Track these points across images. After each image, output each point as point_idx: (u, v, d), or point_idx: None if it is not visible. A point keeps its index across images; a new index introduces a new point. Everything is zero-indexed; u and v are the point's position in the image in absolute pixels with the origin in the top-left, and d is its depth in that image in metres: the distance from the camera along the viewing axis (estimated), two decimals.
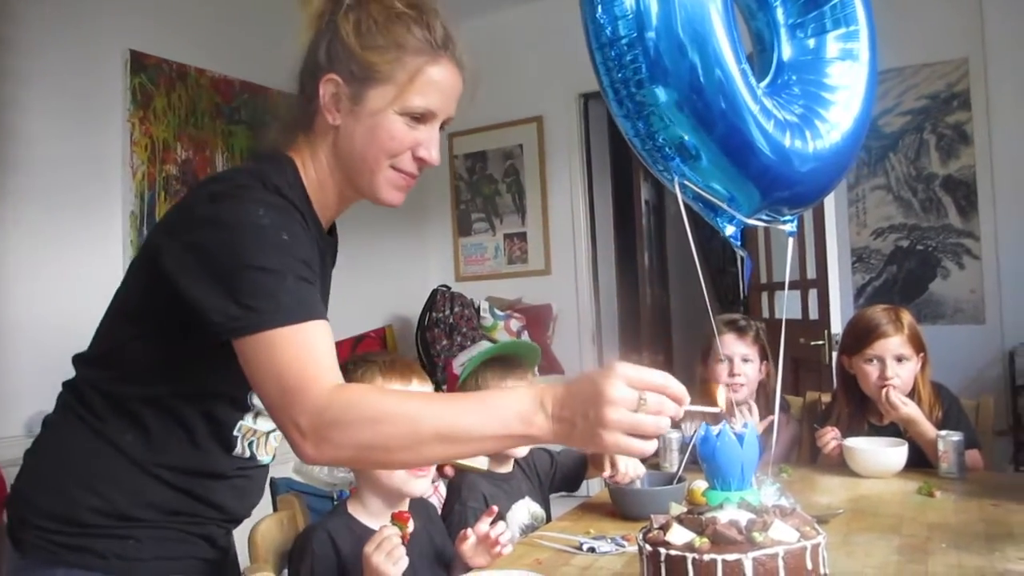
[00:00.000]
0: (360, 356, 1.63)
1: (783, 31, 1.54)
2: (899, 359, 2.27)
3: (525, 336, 4.45)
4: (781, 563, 0.99)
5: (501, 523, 1.59)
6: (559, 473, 2.10)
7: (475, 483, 1.93)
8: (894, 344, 2.28)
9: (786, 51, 1.54)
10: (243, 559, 1.45)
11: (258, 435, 1.30)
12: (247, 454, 1.29)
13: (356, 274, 4.55)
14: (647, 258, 5.37)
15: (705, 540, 1.02)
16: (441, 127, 1.26)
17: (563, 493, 2.23)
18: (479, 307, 4.46)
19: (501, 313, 4.49)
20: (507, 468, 2.02)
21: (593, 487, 2.59)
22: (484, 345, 4.24)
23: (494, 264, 5.03)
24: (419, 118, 1.20)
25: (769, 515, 1.06)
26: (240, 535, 1.49)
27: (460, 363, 2.05)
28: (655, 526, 1.11)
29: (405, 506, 1.63)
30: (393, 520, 1.41)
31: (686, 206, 1.54)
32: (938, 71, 3.82)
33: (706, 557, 0.99)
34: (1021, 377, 3.38)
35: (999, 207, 3.71)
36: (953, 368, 2.36)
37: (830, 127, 1.57)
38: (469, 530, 1.60)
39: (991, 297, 3.71)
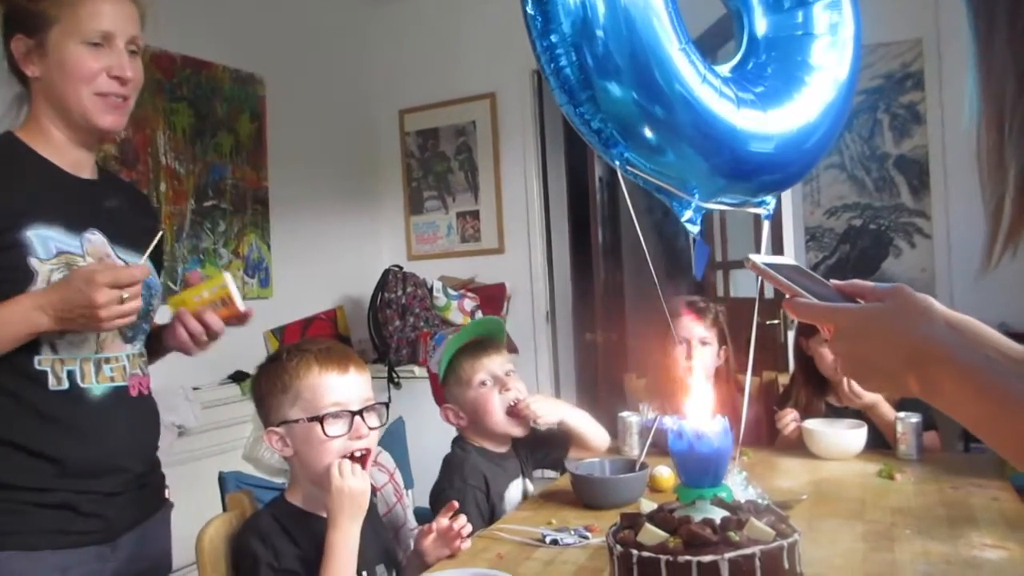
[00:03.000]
0: (295, 345, 1.56)
1: (756, 6, 1.49)
2: None
3: (479, 317, 4.39)
4: (758, 563, 0.95)
5: (462, 516, 1.54)
6: (544, 451, 2.07)
7: (476, 462, 1.90)
8: None
9: (759, 27, 1.49)
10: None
11: (76, 363, 1.35)
12: (65, 385, 1.34)
13: (306, 255, 4.44)
14: (601, 236, 5.32)
15: (678, 540, 0.98)
16: (136, 50, 1.43)
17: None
18: (432, 287, 4.38)
19: (454, 293, 4.41)
20: (504, 448, 1.99)
21: None
22: (446, 336, 4.20)
23: (447, 243, 4.94)
24: (99, 43, 1.38)
25: (744, 513, 1.02)
26: (188, 541, 1.42)
27: (435, 362, 2.01)
28: (624, 524, 1.07)
29: None
30: None
31: (642, 184, 1.48)
32: (893, 51, 3.82)
33: (680, 559, 0.95)
34: None
35: (950, 187, 3.74)
36: None
37: (803, 107, 1.52)
38: (433, 525, 1.55)
39: (941, 276, 3.74)
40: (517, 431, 1.95)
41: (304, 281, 4.40)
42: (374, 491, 2.30)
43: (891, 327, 0.79)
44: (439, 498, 1.88)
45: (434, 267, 4.77)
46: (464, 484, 1.83)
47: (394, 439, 2.61)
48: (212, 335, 1.49)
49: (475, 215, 4.88)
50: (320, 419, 1.44)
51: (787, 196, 3.78)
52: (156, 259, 1.52)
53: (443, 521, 1.53)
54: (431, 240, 4.99)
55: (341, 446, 1.47)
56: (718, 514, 1.03)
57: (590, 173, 5.30)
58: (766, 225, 1.67)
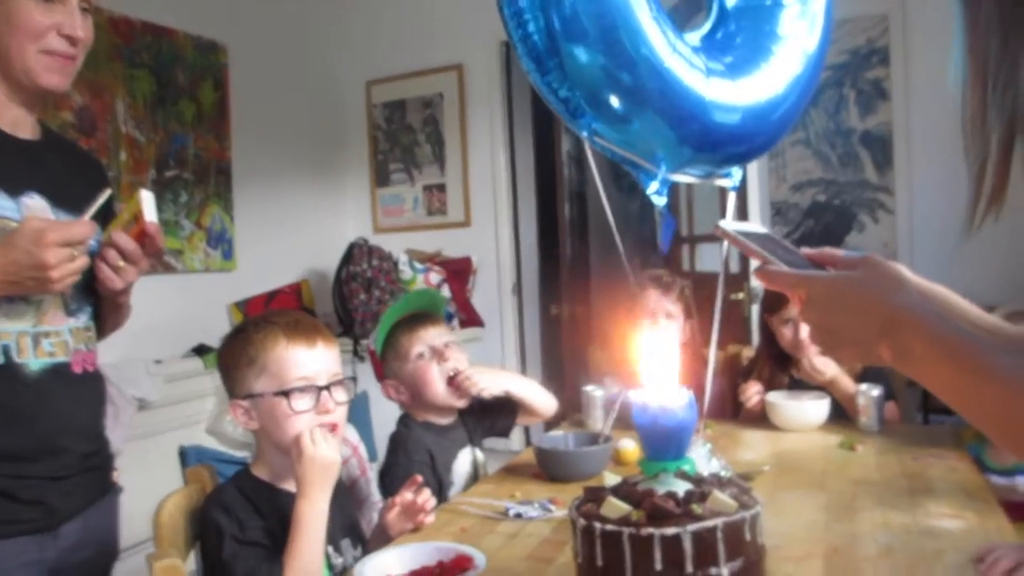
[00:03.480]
0: (261, 317, 1.53)
1: None
2: None
3: (445, 290, 4.36)
4: (720, 535, 0.95)
5: (426, 490, 1.52)
6: (491, 420, 2.06)
7: (420, 437, 1.88)
8: None
9: None
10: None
11: (12, 337, 1.29)
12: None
13: (270, 227, 4.38)
14: (568, 211, 5.31)
15: (641, 514, 0.97)
16: (88, 8, 1.38)
17: (489, 447, 2.19)
18: (397, 260, 4.35)
19: (420, 266, 4.38)
20: (450, 419, 1.97)
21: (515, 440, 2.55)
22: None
23: (413, 216, 4.90)
24: None
25: (707, 485, 1.02)
26: (148, 516, 1.39)
27: (372, 339, 1.98)
28: (588, 497, 1.06)
29: None
30: None
31: (609, 157, 1.46)
32: (859, 26, 3.82)
33: (643, 532, 0.95)
34: None
35: (913, 163, 3.77)
36: None
37: (771, 78, 1.51)
38: (396, 499, 1.54)
39: (904, 251, 3.78)
40: (458, 402, 1.93)
41: (268, 253, 4.34)
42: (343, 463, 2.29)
43: (863, 295, 0.79)
44: (385, 477, 1.87)
45: (400, 240, 4.73)
46: (409, 460, 1.82)
47: (358, 413, 2.59)
48: (129, 258, 1.37)
49: (441, 188, 4.84)
50: (286, 393, 1.42)
51: (753, 171, 3.80)
52: (103, 222, 1.46)
53: (407, 495, 1.52)
54: (397, 213, 4.94)
55: (307, 421, 1.45)
56: (681, 487, 1.02)
57: (557, 147, 5.27)
58: (731, 197, 1.66)
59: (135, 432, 3.22)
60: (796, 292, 0.86)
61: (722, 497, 0.98)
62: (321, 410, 1.45)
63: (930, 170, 3.72)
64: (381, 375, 1.99)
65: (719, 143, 1.45)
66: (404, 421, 1.95)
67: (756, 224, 0.96)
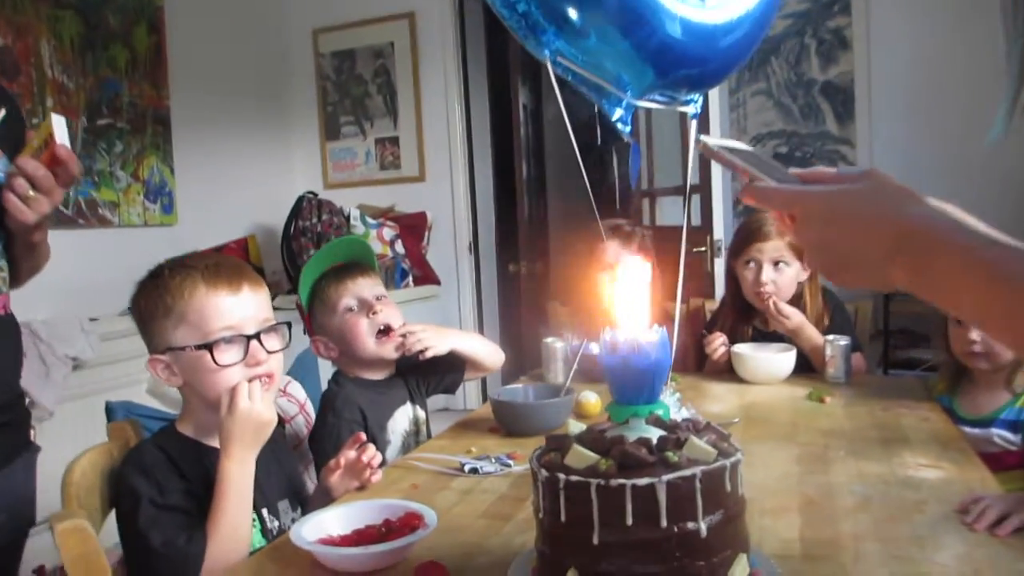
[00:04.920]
0: (178, 260, 1.36)
1: None
2: (776, 263, 2.20)
3: (399, 247, 4.22)
4: (698, 485, 0.85)
5: (371, 447, 1.41)
6: (438, 377, 1.94)
7: (350, 394, 1.76)
8: (771, 247, 2.20)
9: None
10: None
11: None
12: None
13: (213, 180, 4.19)
14: (525, 166, 5.18)
15: (611, 463, 0.87)
16: None
17: (442, 407, 2.08)
18: (349, 215, 4.19)
19: (373, 221, 4.23)
20: (384, 374, 1.85)
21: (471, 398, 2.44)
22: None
23: (365, 170, 4.73)
24: None
25: (683, 431, 0.92)
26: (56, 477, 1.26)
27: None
28: (550, 447, 0.96)
29: None
30: None
31: (565, 86, 1.35)
32: None
33: (613, 483, 0.84)
34: None
35: (874, 114, 3.71)
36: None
37: (725, 4, 1.40)
38: (340, 459, 1.42)
39: None
40: (389, 354, 1.81)
41: (212, 208, 4.15)
42: (282, 422, 2.16)
43: (870, 208, 0.69)
44: (314, 439, 1.76)
45: (352, 196, 4.57)
46: (337, 419, 1.70)
47: (306, 370, 2.46)
48: (40, 187, 1.24)
49: (395, 141, 4.68)
50: (210, 347, 1.29)
51: (715, 122, 3.70)
52: (13, 153, 1.30)
53: (350, 454, 1.40)
54: (349, 167, 4.77)
55: (237, 374, 1.32)
56: (655, 434, 0.92)
57: (514, 101, 5.12)
58: (694, 125, 1.55)
59: (68, 393, 3.06)
60: (790, 210, 0.76)
61: (700, 444, 0.88)
62: (251, 361, 1.31)
63: (892, 122, 3.67)
64: (310, 330, 1.86)
65: (672, 62, 1.33)
66: (335, 378, 1.83)
67: (741, 142, 0.85)
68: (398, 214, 4.43)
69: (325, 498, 1.43)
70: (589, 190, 1.75)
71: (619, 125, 1.38)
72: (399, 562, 1.08)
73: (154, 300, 1.33)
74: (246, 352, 1.31)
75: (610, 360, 0.93)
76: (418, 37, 4.59)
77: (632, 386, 0.93)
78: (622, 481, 0.84)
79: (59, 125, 1.25)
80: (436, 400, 2.13)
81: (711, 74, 1.47)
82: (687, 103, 1.47)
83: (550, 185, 5.71)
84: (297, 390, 2.41)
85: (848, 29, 3.72)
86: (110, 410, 1.84)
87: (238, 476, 1.23)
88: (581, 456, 0.89)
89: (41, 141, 1.26)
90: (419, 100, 4.61)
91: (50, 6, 3.44)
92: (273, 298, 1.78)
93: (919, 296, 0.68)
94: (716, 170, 3.42)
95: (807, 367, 2.17)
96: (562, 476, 0.88)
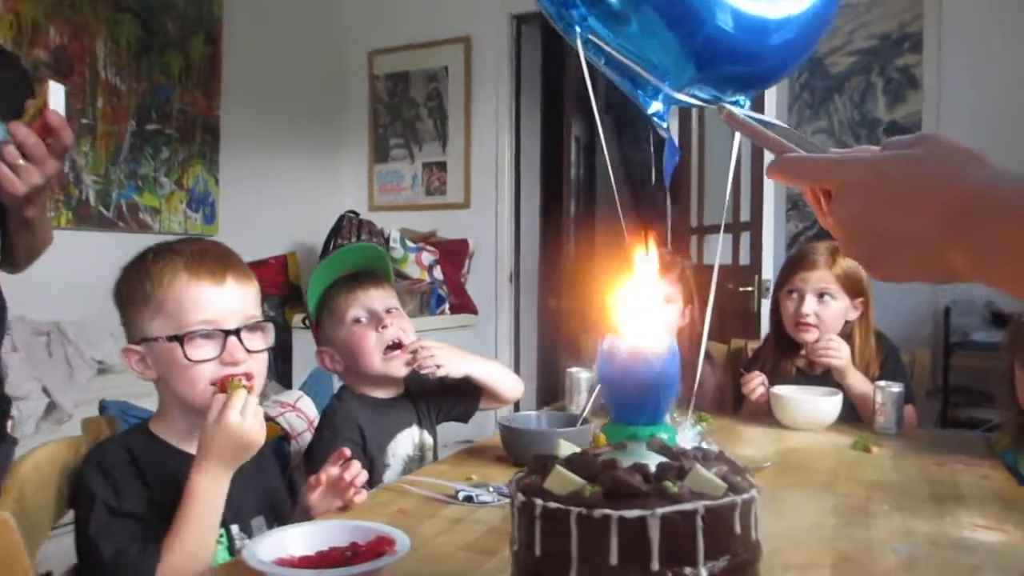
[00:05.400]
0: (165, 244, 1.26)
1: None
2: (821, 295, 2.03)
3: (437, 272, 4.13)
4: (700, 523, 0.71)
5: (355, 464, 1.28)
6: (450, 402, 1.81)
7: (351, 411, 1.63)
8: (817, 277, 2.03)
9: None
10: None
11: None
12: None
13: (258, 194, 4.15)
14: (573, 199, 5.07)
15: (597, 489, 0.73)
16: None
17: (466, 439, 1.95)
18: (389, 237, 4.11)
19: (413, 245, 4.14)
20: (391, 392, 1.72)
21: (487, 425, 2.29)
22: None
23: (411, 194, 4.66)
24: None
25: (688, 459, 0.77)
26: None
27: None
28: (533, 468, 0.82)
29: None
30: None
31: (608, 69, 1.22)
32: (891, 9, 3.57)
33: (597, 513, 0.70)
34: (955, 334, 3.21)
35: None
36: (882, 327, 2.16)
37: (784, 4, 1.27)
38: (321, 475, 1.29)
39: None
40: (397, 372, 1.68)
41: (254, 221, 4.11)
42: (288, 438, 2.05)
43: (924, 175, 0.55)
44: (308, 456, 1.63)
45: (397, 219, 4.50)
46: (334, 435, 1.56)
47: (320, 387, 2.36)
48: (30, 155, 1.17)
49: (442, 166, 4.61)
50: (181, 339, 1.18)
51: (769, 159, 3.54)
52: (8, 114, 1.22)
53: (332, 470, 1.28)
54: (395, 190, 4.71)
55: (211, 372, 1.21)
56: (655, 460, 0.78)
57: (566, 132, 5.04)
58: (740, 113, 1.41)
59: (90, 395, 3.00)
60: (826, 182, 0.62)
61: (706, 475, 0.74)
62: (227, 359, 1.20)
63: None
64: (318, 341, 1.74)
65: (718, 57, 1.20)
66: (339, 393, 1.71)
67: (769, 116, 0.72)
68: (439, 240, 4.34)
69: (305, 517, 1.31)
70: (620, 213, 1.60)
71: (655, 120, 1.26)
72: None
73: (134, 286, 1.23)
74: (223, 349, 1.20)
75: (606, 370, 0.80)
76: (473, 62, 4.54)
77: (631, 402, 0.79)
78: (608, 512, 0.70)
79: (56, 92, 1.17)
80: (460, 432, 1.99)
81: (760, 74, 1.33)
82: (733, 104, 1.34)
83: (599, 220, 5.59)
84: (308, 406, 2.31)
85: (918, 67, 3.54)
86: (103, 409, 1.76)
87: (208, 494, 1.11)
88: (564, 480, 0.75)
89: (36, 109, 1.18)
90: (469, 126, 4.55)
91: (110, 9, 3.46)
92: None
93: (983, 281, 0.53)
94: (768, 207, 3.25)
95: (854, 417, 1.98)
96: (539, 502, 0.74)
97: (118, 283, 1.27)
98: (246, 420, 1.13)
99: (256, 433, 1.15)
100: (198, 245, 1.27)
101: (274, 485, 1.40)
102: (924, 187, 0.54)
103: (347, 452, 1.29)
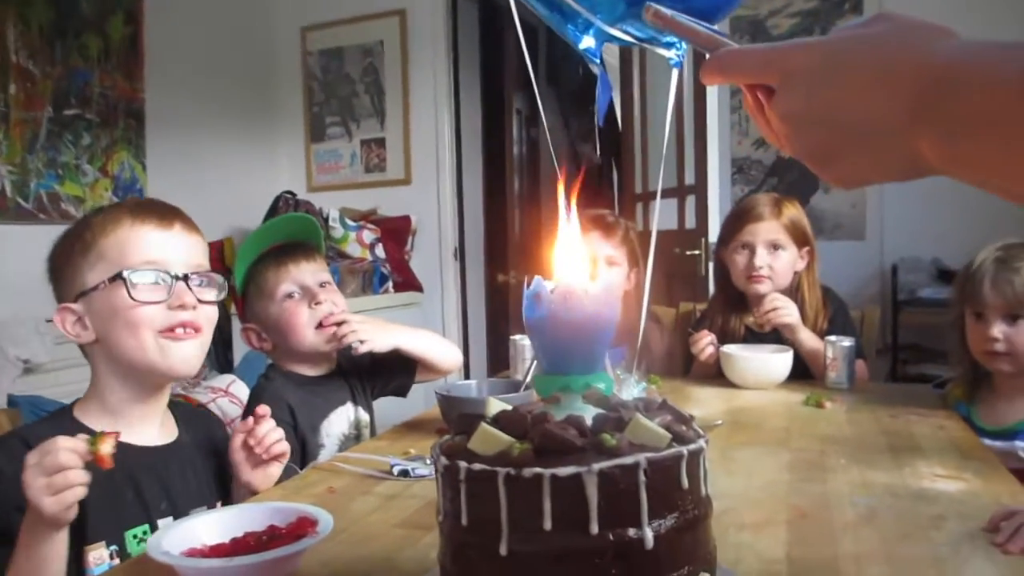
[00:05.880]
0: (108, 204, 1.18)
1: None
2: (773, 247, 1.98)
3: (379, 250, 4.01)
4: (642, 478, 0.63)
5: (267, 422, 1.18)
6: (384, 377, 1.72)
7: (280, 390, 1.53)
8: (766, 229, 1.98)
9: None
10: None
11: None
12: None
13: (189, 179, 3.97)
14: (517, 173, 4.98)
15: (527, 447, 0.65)
16: None
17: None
18: (328, 216, 3.98)
19: (353, 224, 4.02)
20: (323, 370, 1.63)
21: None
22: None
23: (349, 172, 4.53)
24: None
25: (627, 409, 0.70)
26: None
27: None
28: (459, 429, 0.74)
29: (156, 412, 1.21)
30: (92, 436, 0.98)
31: (537, 5, 1.13)
32: None
33: (526, 472, 0.62)
34: (902, 292, 3.20)
35: None
36: (831, 284, 2.12)
37: None
38: (236, 438, 1.20)
39: (872, 212, 3.52)
40: (327, 348, 1.59)
41: (187, 207, 3.79)
42: (222, 426, 1.94)
43: (884, 53, 0.47)
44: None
45: (337, 199, 4.36)
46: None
47: (254, 370, 2.24)
48: None
49: (381, 143, 4.48)
50: (125, 279, 1.09)
51: (713, 123, 3.50)
52: None
53: (249, 421, 1.18)
54: (333, 169, 4.57)
55: (157, 319, 1.11)
56: (591, 412, 0.71)
57: (507, 105, 4.94)
58: (674, 75, 1.33)
59: (18, 396, 2.86)
60: (768, 75, 0.54)
61: (648, 425, 0.66)
62: (174, 303, 1.11)
63: None
64: (242, 317, 1.63)
65: None
66: (266, 372, 1.61)
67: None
68: (380, 217, 4.22)
69: (239, 486, 1.22)
70: (556, 164, 1.52)
71: (587, 58, 1.17)
72: None
73: (71, 240, 1.14)
74: (170, 293, 1.11)
75: (533, 314, 0.71)
76: (409, 36, 4.41)
77: (562, 348, 0.71)
78: (539, 470, 0.62)
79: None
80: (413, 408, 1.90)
81: (695, 11, 1.25)
82: (668, 46, 1.26)
83: (543, 195, 5.51)
84: (242, 390, 2.20)
85: None
86: (13, 403, 1.63)
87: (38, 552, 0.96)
88: (490, 439, 0.67)
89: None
90: (407, 101, 4.42)
91: None
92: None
93: (955, 170, 0.46)
94: (713, 170, 3.21)
95: (805, 374, 1.94)
96: (463, 465, 0.66)
97: (53, 247, 1.18)
98: (35, 492, 0.92)
99: (41, 502, 0.93)
100: (144, 199, 1.19)
101: (215, 473, 1.29)
102: (886, 68, 0.46)
103: (262, 410, 1.19)
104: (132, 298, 1.09)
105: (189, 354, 1.16)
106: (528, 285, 0.74)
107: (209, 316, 1.18)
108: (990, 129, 0.42)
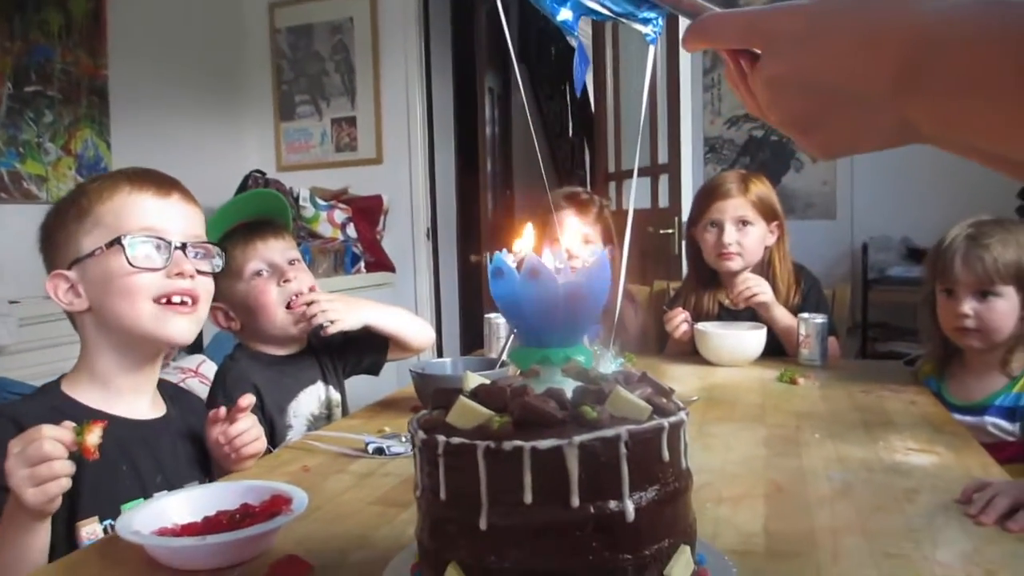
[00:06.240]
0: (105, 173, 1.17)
1: None
2: (741, 223, 1.98)
3: (351, 230, 3.97)
4: (623, 450, 0.62)
5: (243, 421, 1.16)
6: (356, 355, 1.70)
7: (245, 371, 1.51)
8: (733, 205, 1.98)
9: None
10: None
11: None
12: None
13: (155, 158, 3.84)
14: (489, 152, 4.96)
15: (506, 420, 0.64)
16: None
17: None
18: (298, 196, 3.93)
19: (324, 203, 3.98)
20: (292, 349, 1.60)
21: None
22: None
23: (320, 152, 4.47)
24: None
25: (608, 382, 0.69)
26: None
27: None
28: (437, 403, 0.73)
29: (147, 384, 1.19)
30: (79, 425, 0.95)
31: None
32: None
33: (507, 445, 0.61)
34: (873, 270, 3.23)
35: None
36: (802, 263, 2.14)
37: None
38: (211, 433, 1.17)
39: (843, 191, 3.54)
40: (296, 329, 1.56)
41: None
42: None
43: (872, 17, 0.46)
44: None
45: (307, 178, 4.31)
46: (227, 400, 1.44)
47: (224, 350, 2.21)
48: None
49: (352, 122, 4.43)
50: (123, 244, 1.07)
51: (686, 102, 3.50)
52: None
53: (221, 411, 1.16)
54: (303, 149, 4.52)
55: (154, 286, 1.09)
56: (570, 385, 0.70)
57: (479, 84, 4.91)
58: (651, 51, 1.32)
59: None
60: (750, 41, 0.53)
61: (629, 397, 0.65)
62: (173, 270, 1.10)
63: None
64: None
65: None
66: (233, 352, 1.59)
67: None
68: (352, 197, 4.17)
69: (217, 467, 1.20)
70: (536, 146, 1.50)
71: (564, 29, 1.15)
72: (259, 555, 0.84)
73: (67, 206, 1.12)
74: (168, 260, 1.10)
75: (500, 289, 0.70)
76: (379, 12, 4.35)
77: (541, 318, 0.70)
78: (519, 443, 0.61)
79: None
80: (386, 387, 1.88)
81: None
82: (645, 22, 1.24)
83: (516, 174, 5.50)
84: (211, 370, 2.17)
85: None
86: None
87: (20, 539, 0.93)
88: (469, 412, 0.66)
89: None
90: (378, 79, 4.37)
91: None
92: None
93: (943, 137, 0.45)
94: (686, 148, 3.20)
95: (778, 351, 1.95)
96: (441, 439, 0.65)
97: (47, 215, 1.16)
98: (19, 482, 0.89)
99: (25, 492, 0.89)
100: (142, 168, 1.17)
101: (200, 450, 1.26)
102: (871, 31, 0.45)
103: (245, 402, 1.17)
104: (130, 264, 1.07)
105: (185, 326, 1.14)
106: (490, 261, 0.72)
107: (206, 287, 1.17)
108: (975, 89, 0.41)
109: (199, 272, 1.14)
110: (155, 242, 1.10)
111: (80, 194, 1.13)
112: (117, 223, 1.09)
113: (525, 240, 0.74)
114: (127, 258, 1.07)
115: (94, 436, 0.93)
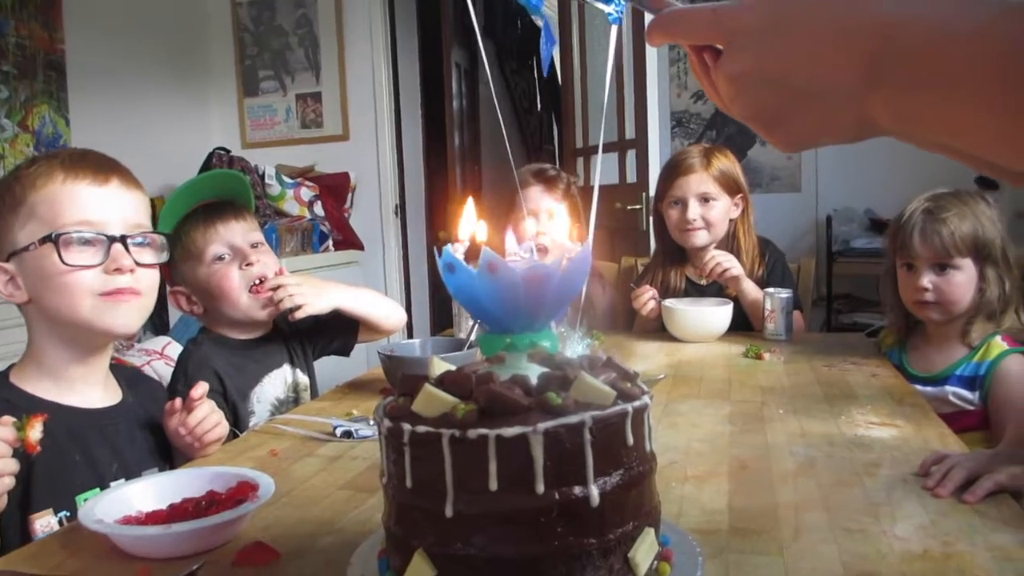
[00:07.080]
0: (42, 153, 1.12)
1: None
2: (704, 199, 2.00)
3: (318, 208, 3.94)
4: (588, 436, 0.63)
5: (201, 408, 1.15)
6: (325, 337, 1.69)
7: (207, 356, 1.48)
8: (696, 180, 2.00)
9: None
10: None
11: None
12: None
13: (116, 135, 3.82)
14: (457, 128, 4.92)
15: (471, 407, 0.64)
16: None
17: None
18: (264, 173, 3.89)
19: (290, 181, 3.94)
20: (257, 333, 1.58)
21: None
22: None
23: (285, 128, 4.41)
24: None
25: (572, 368, 0.69)
26: None
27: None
28: (402, 391, 0.73)
29: (97, 373, 1.17)
30: (20, 420, 0.94)
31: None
32: None
33: (471, 433, 0.62)
34: (836, 242, 3.27)
35: None
36: (769, 236, 2.16)
37: None
38: (170, 424, 1.16)
39: (807, 164, 3.57)
40: (262, 314, 1.53)
41: None
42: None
43: (832, 7, 0.46)
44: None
45: (273, 155, 4.25)
46: (187, 385, 1.42)
47: (191, 333, 2.19)
48: None
49: (317, 98, 4.38)
50: (56, 241, 1.04)
51: (652, 76, 3.49)
52: None
53: (177, 403, 1.15)
54: (267, 125, 4.45)
55: (94, 282, 1.06)
56: (535, 371, 0.70)
57: (446, 59, 4.86)
58: (613, 32, 1.32)
59: None
60: (715, 34, 0.53)
61: (593, 383, 0.66)
62: (111, 267, 1.06)
63: None
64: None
65: None
66: (195, 337, 1.56)
67: None
68: (319, 174, 4.14)
69: (179, 455, 1.19)
70: (505, 133, 1.49)
71: (530, 10, 1.15)
72: (225, 543, 0.84)
73: (1, 194, 1.08)
74: (107, 255, 1.06)
75: (455, 281, 0.70)
76: None
77: (505, 304, 0.70)
78: (484, 431, 0.61)
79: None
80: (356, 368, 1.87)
81: None
82: (608, 1, 1.23)
83: (485, 148, 5.47)
84: (177, 352, 2.15)
85: None
86: None
87: None
88: (434, 400, 0.66)
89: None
90: (343, 54, 4.31)
91: None
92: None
93: (909, 133, 0.45)
94: (654, 129, 3.20)
95: (746, 325, 1.97)
96: (407, 427, 0.65)
97: None
98: None
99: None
100: (82, 150, 1.12)
101: (159, 437, 1.25)
102: (836, 27, 0.45)
103: (197, 392, 1.15)
104: (64, 262, 1.04)
105: (128, 317, 1.11)
106: (439, 254, 0.72)
107: (151, 279, 1.14)
108: (941, 86, 0.41)
109: (141, 264, 1.11)
110: (92, 235, 1.07)
111: (14, 180, 1.09)
112: (52, 215, 1.06)
113: (467, 223, 0.73)
114: (60, 256, 1.04)
115: (35, 431, 0.92)
